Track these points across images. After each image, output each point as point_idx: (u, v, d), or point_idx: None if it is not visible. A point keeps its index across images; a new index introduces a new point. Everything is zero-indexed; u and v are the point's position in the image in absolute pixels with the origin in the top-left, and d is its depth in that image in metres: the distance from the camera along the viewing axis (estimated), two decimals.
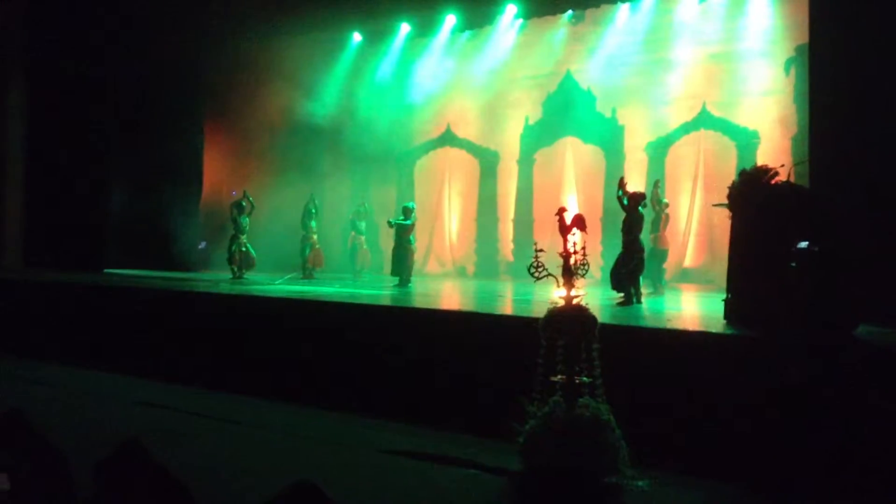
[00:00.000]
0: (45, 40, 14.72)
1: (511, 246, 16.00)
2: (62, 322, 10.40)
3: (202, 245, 15.95)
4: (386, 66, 16.41)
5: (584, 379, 5.00)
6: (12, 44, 14.80)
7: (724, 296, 6.87)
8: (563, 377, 4.99)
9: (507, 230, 16.20)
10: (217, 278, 13.16)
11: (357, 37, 16.15)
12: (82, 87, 14.61)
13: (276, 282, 12.44)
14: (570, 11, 14.80)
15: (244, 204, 13.32)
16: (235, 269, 13.05)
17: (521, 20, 15.15)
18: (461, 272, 16.46)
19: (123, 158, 15.00)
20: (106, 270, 14.17)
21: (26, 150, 15.07)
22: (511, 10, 14.46)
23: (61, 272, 13.16)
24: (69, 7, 14.26)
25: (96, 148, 14.81)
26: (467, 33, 16.00)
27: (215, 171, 16.50)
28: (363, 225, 14.78)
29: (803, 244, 5.80)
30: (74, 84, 14.62)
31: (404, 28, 15.65)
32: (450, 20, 15.18)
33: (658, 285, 11.07)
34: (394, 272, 12.23)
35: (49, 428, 3.48)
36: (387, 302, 9.70)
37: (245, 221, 13.28)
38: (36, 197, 15.07)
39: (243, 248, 13.16)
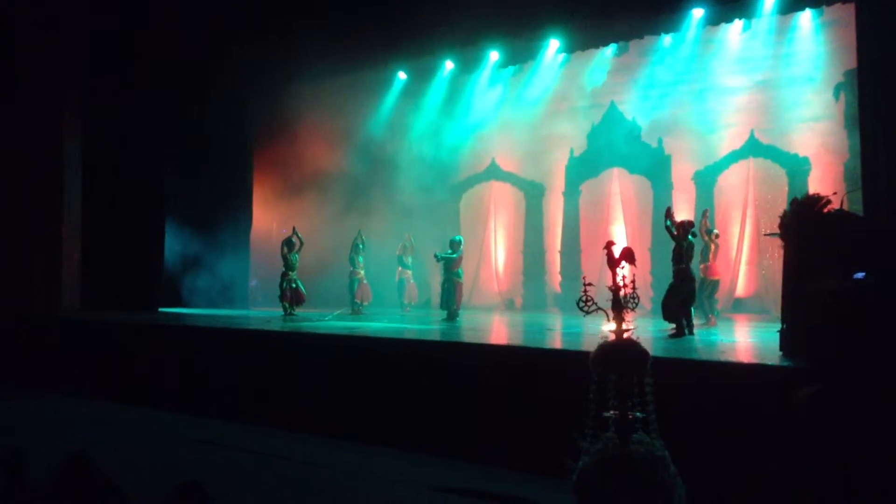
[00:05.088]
0: (101, 87, 15.24)
1: (559, 278, 15.93)
2: (119, 362, 10.64)
3: (254, 283, 16.23)
4: (431, 102, 16.61)
5: (638, 414, 4.94)
6: (70, 92, 15.35)
7: (779, 326, 6.74)
8: (616, 413, 4.93)
9: (554, 262, 16.14)
10: (269, 315, 13.34)
11: (402, 75, 16.42)
12: (136, 134, 15.07)
13: (326, 318, 12.57)
14: (613, 44, 14.84)
15: (294, 241, 13.52)
16: (287, 305, 13.22)
17: (563, 54, 15.22)
18: (509, 305, 16.43)
19: (176, 200, 15.37)
20: (160, 310, 14.48)
21: (83, 194, 15.55)
22: (554, 44, 14.54)
23: (117, 312, 13.47)
24: (125, 56, 14.76)
25: (150, 191, 15.23)
26: (511, 68, 16.14)
27: (265, 209, 16.83)
28: (410, 259, 14.91)
29: (860, 275, 5.67)
30: (129, 131, 15.09)
31: (448, 65, 15.85)
32: (493, 56, 15.34)
33: (710, 316, 10.89)
34: (442, 306, 12.25)
35: (111, 468, 3.57)
36: (435, 336, 9.72)
37: (295, 258, 13.46)
38: (93, 239, 15.50)
39: (293, 285, 13.33)
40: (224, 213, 15.57)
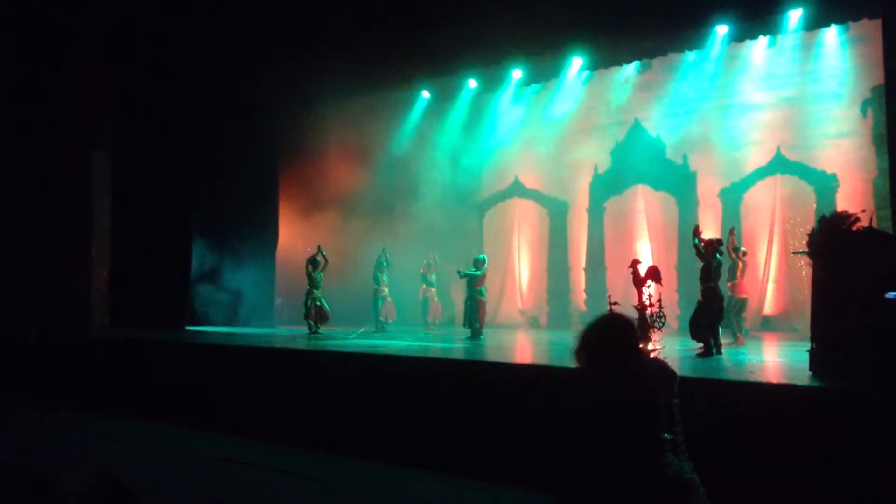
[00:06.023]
0: (129, 105, 15.44)
1: (583, 296, 15.84)
2: (147, 380, 10.72)
3: (279, 301, 16.31)
4: (454, 120, 16.69)
5: (666, 435, 4.87)
6: (97, 107, 15.56)
7: (808, 345, 6.64)
8: None
9: (579, 280, 16.07)
10: (294, 333, 13.39)
11: (426, 94, 16.51)
12: (164, 152, 15.26)
13: (350, 336, 12.59)
14: (636, 61, 14.83)
15: (318, 259, 13.59)
16: (311, 323, 13.26)
17: (587, 72, 15.23)
18: (534, 323, 16.35)
19: (203, 218, 15.50)
20: (187, 328, 14.59)
21: (112, 212, 15.75)
22: (577, 62, 14.55)
23: (145, 330, 13.59)
24: (152, 74, 14.93)
25: (178, 208, 15.38)
26: (534, 86, 16.18)
27: (289, 227, 16.93)
28: (434, 277, 14.91)
29: (892, 294, 5.58)
30: (157, 149, 15.29)
31: (472, 84, 15.92)
32: (516, 74, 15.39)
33: (738, 335, 10.75)
34: (465, 324, 12.24)
35: (139, 488, 3.59)
36: (459, 355, 9.68)
37: (319, 276, 13.52)
38: (121, 257, 15.68)
39: (318, 303, 13.39)
40: (250, 230, 15.66)
